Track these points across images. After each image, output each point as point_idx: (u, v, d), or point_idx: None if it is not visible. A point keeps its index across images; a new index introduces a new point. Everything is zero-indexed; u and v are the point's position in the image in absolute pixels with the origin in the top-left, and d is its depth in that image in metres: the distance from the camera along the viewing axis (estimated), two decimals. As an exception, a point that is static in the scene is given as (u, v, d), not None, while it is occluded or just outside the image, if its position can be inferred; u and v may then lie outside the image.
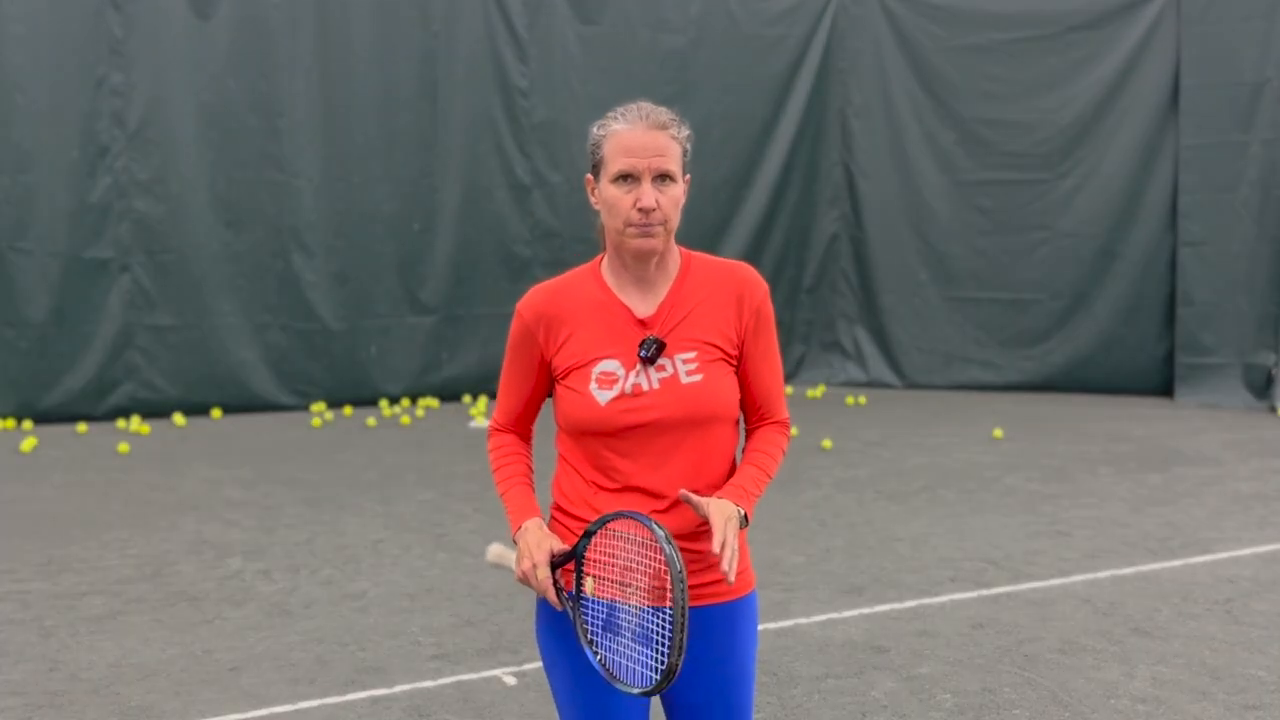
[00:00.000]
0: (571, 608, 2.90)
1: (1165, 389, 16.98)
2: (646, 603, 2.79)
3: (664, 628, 2.72)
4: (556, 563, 2.90)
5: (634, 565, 2.80)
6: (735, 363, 3.08)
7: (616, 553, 2.84)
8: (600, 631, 2.87)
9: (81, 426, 13.91)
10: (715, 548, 2.74)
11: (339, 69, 15.30)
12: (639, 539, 2.79)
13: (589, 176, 3.07)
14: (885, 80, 18.09)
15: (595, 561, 2.89)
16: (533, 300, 3.09)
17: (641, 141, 2.93)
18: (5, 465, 11.67)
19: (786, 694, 5.89)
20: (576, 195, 16.60)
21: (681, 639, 2.61)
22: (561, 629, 3.01)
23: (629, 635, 2.81)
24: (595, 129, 3.04)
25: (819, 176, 18.37)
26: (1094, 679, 6.12)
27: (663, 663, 2.69)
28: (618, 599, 2.85)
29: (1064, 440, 13.37)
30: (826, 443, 12.88)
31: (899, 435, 13.69)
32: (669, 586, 2.68)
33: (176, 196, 14.57)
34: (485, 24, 16.04)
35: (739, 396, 3.10)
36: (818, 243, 18.44)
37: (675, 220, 2.98)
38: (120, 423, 14.24)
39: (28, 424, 13.98)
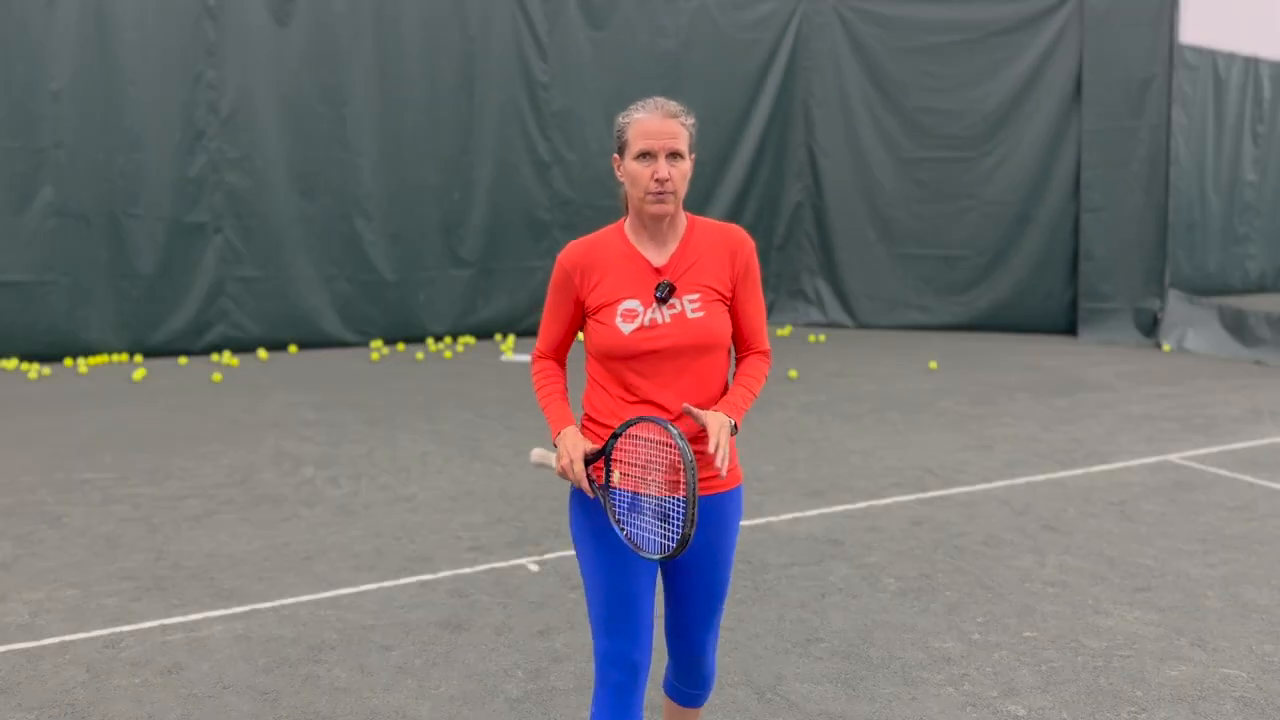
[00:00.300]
0: (602, 495, 3.04)
1: (1070, 329, 17.00)
2: (663, 493, 2.93)
3: (678, 508, 2.87)
4: (589, 459, 3.04)
5: (652, 462, 2.95)
6: (729, 303, 3.21)
7: (638, 452, 2.98)
8: (626, 513, 3.01)
9: (182, 360, 13.87)
10: (710, 449, 2.91)
11: (393, 67, 15.21)
12: (657, 439, 2.93)
13: (615, 155, 3.18)
14: (841, 76, 17.99)
15: (620, 460, 3.03)
16: (571, 252, 3.21)
17: (658, 127, 3.07)
18: (120, 392, 11.62)
19: (760, 579, 5.85)
20: (588, 170, 16.56)
21: (693, 513, 2.77)
22: (590, 515, 3.16)
23: (649, 515, 2.96)
24: (621, 118, 3.17)
25: (787, 155, 18.29)
26: (1012, 566, 6.09)
27: (678, 533, 2.85)
28: (639, 491, 2.99)
29: (987, 371, 13.33)
30: (793, 373, 12.84)
31: (852, 367, 13.65)
32: (682, 475, 2.83)
33: (260, 171, 14.51)
34: (514, 30, 15.96)
35: (731, 330, 3.23)
36: (785, 209, 18.39)
37: (683, 190, 3.14)
38: (214, 356, 14.20)
39: (138, 358, 13.94)
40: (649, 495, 2.96)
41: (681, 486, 2.85)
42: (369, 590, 5.67)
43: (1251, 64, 23.39)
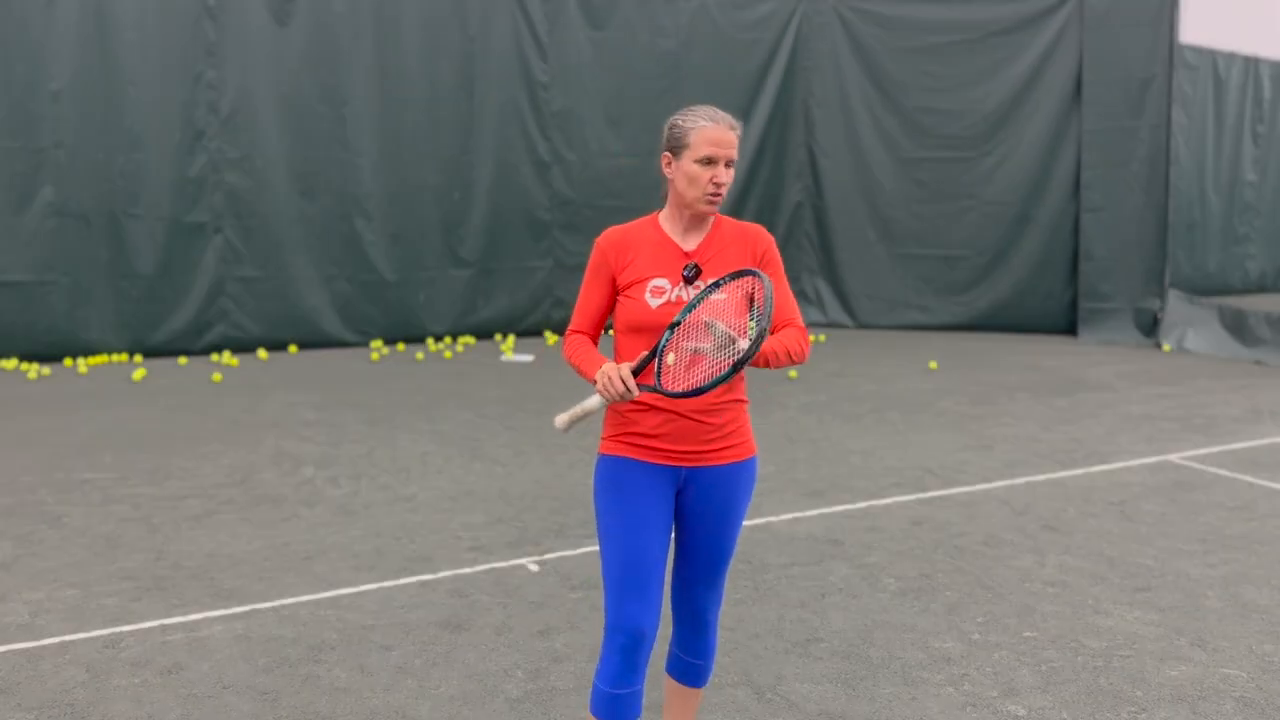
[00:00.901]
0: (656, 381, 3.19)
1: (1070, 329, 17.00)
2: (729, 327, 3.16)
3: (750, 321, 3.19)
4: (636, 370, 3.19)
5: (719, 309, 3.21)
6: (749, 291, 3.36)
7: (695, 329, 3.21)
8: (681, 378, 3.18)
9: (182, 359, 13.86)
10: (715, 325, 3.14)
11: (393, 67, 15.20)
12: (718, 304, 3.22)
13: (666, 154, 3.42)
14: (841, 76, 17.98)
15: (673, 346, 3.22)
16: (609, 235, 3.49)
17: (723, 137, 3.33)
18: (119, 392, 11.62)
19: (760, 578, 5.86)
20: (588, 171, 16.56)
21: (770, 310, 3.06)
22: (614, 480, 3.39)
23: (710, 351, 3.15)
24: (682, 120, 3.40)
25: (787, 155, 18.27)
26: (1012, 566, 6.09)
27: (755, 328, 3.09)
28: (700, 345, 3.18)
29: (987, 371, 13.33)
30: (793, 373, 12.83)
31: (852, 367, 13.64)
32: (759, 292, 3.16)
33: (260, 171, 14.50)
34: (513, 30, 15.95)
35: (748, 317, 3.37)
36: (786, 209, 18.37)
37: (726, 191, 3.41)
38: (214, 356, 14.19)
39: (138, 358, 13.93)
40: (717, 324, 3.15)
41: (747, 317, 3.18)
42: (369, 590, 5.67)
43: (1251, 64, 23.38)
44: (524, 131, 16.19)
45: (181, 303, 14.23)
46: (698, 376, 3.14)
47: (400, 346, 15.46)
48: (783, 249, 18.13)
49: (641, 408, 3.35)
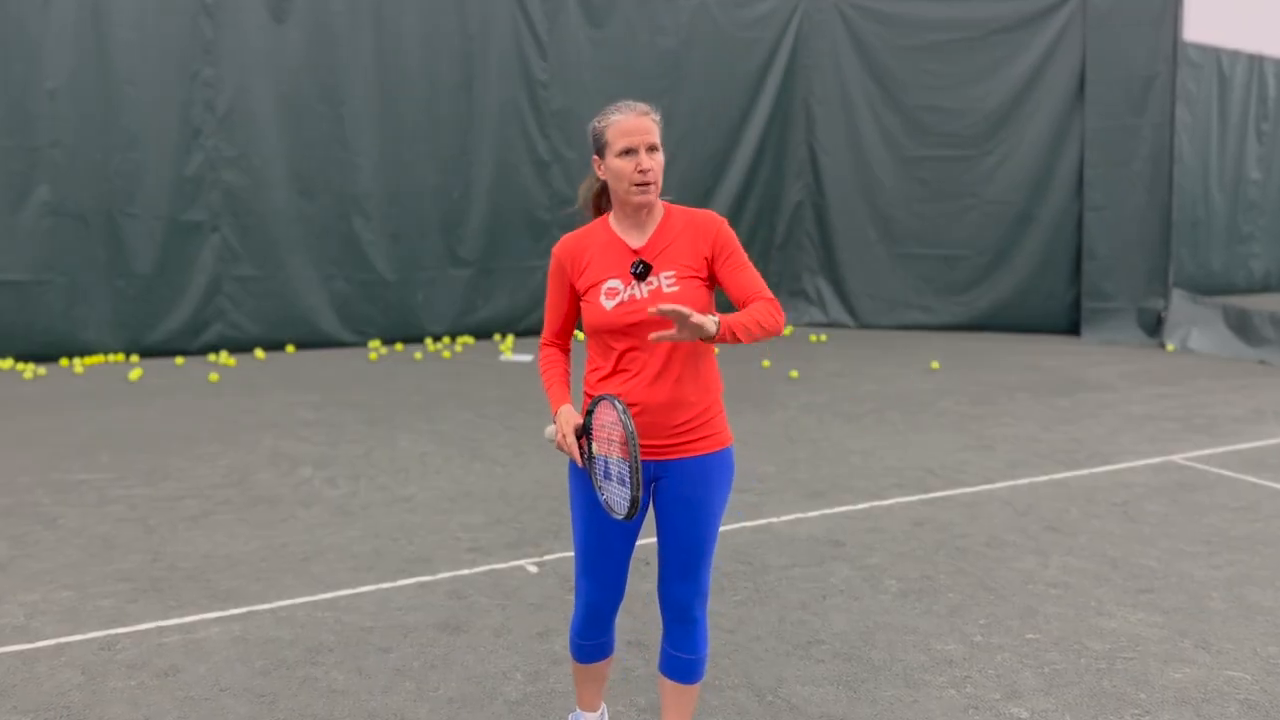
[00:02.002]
0: (589, 464, 3.41)
1: (1072, 329, 17.00)
2: (618, 454, 3.24)
3: (625, 474, 3.21)
4: (578, 433, 3.39)
5: (614, 435, 3.27)
6: (706, 280, 3.49)
7: (605, 422, 3.31)
8: (603, 479, 3.35)
9: (179, 359, 13.86)
10: (668, 307, 3.05)
11: (392, 65, 15.21)
12: (610, 421, 3.28)
13: (595, 157, 3.55)
14: (842, 74, 17.98)
15: (595, 432, 3.37)
16: (562, 244, 3.62)
17: (636, 125, 3.42)
18: (116, 391, 11.62)
19: (760, 580, 5.85)
20: (588, 170, 16.45)
21: (637, 478, 3.12)
22: (580, 477, 3.55)
23: (615, 480, 3.27)
24: (597, 122, 3.51)
25: (787, 153, 18.28)
26: (1014, 568, 6.08)
27: (629, 494, 3.18)
28: (609, 454, 3.30)
29: (989, 371, 13.32)
30: (794, 373, 12.83)
31: (853, 367, 13.64)
32: (626, 445, 3.18)
33: (258, 170, 14.50)
34: (513, 29, 15.96)
35: (706, 303, 3.47)
36: (786, 208, 18.38)
37: (660, 178, 3.47)
38: (211, 356, 14.20)
39: (135, 358, 13.94)
40: (612, 457, 3.28)
41: (626, 451, 3.19)
42: (367, 592, 5.66)
43: (1256, 61, 23.39)
44: (523, 130, 16.20)
45: (178, 302, 14.23)
46: (612, 497, 3.30)
47: (399, 346, 15.45)
48: (783, 248, 18.20)
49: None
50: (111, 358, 13.80)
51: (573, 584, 5.76)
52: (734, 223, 17.10)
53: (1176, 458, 8.76)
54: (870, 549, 6.42)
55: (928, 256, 17.70)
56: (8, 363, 13.07)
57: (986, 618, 5.33)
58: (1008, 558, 6.26)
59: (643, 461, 3.44)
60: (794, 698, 4.47)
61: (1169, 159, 16.10)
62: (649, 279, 3.43)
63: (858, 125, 17.96)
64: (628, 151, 3.40)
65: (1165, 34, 16.02)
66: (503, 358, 14.30)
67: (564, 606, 5.43)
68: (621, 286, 3.44)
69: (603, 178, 3.55)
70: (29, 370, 12.63)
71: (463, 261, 16.01)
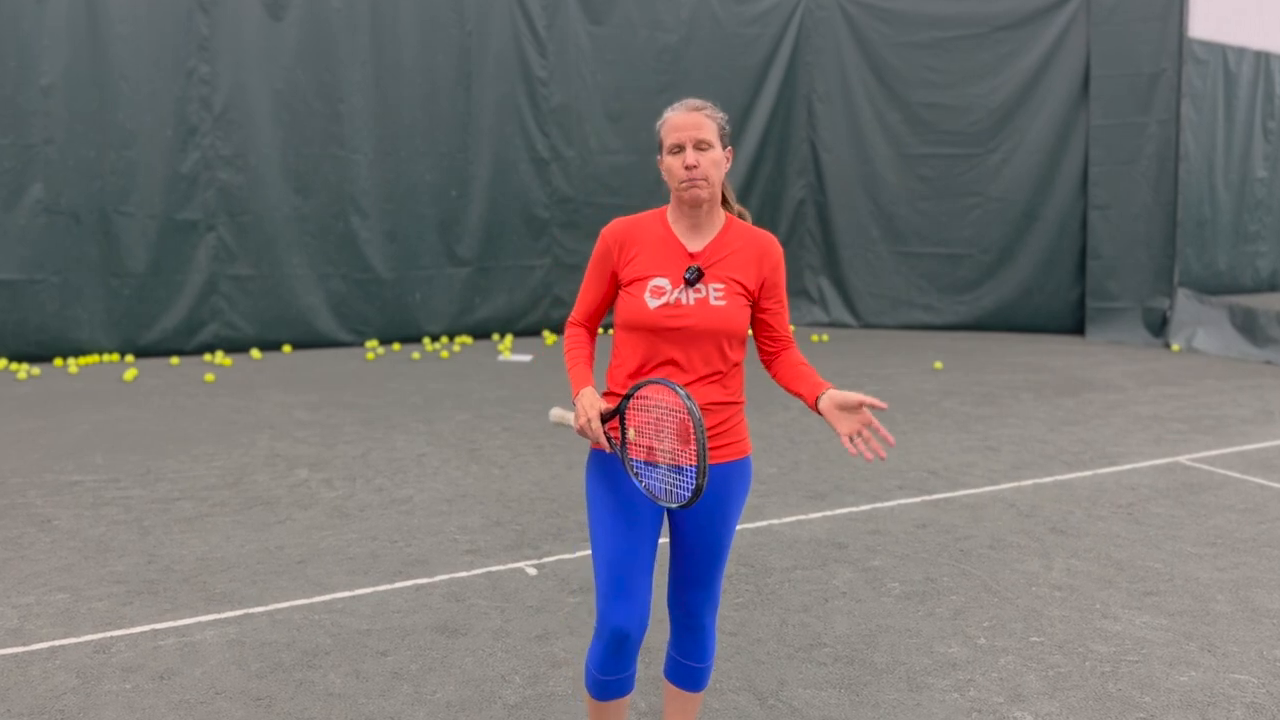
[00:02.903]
0: (620, 450, 3.27)
1: (1077, 328, 17.00)
2: (674, 461, 3.19)
3: (690, 465, 3.14)
4: (605, 417, 3.26)
5: (662, 426, 3.21)
6: (751, 300, 3.46)
7: (649, 417, 3.24)
8: (642, 466, 3.28)
9: (174, 360, 13.88)
10: (870, 402, 3.21)
11: (389, 62, 15.21)
12: (666, 405, 3.18)
13: (659, 157, 3.49)
14: (844, 71, 17.99)
15: (633, 419, 3.29)
16: (614, 227, 3.51)
17: (685, 120, 3.37)
18: (111, 392, 11.62)
19: (762, 582, 5.85)
20: (587, 168, 16.57)
21: (704, 465, 3.00)
22: (606, 476, 3.42)
23: (664, 469, 3.23)
24: (660, 121, 3.47)
25: (789, 151, 18.29)
26: (1018, 570, 6.08)
27: (691, 483, 3.12)
28: (651, 460, 3.26)
29: (992, 371, 13.33)
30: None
31: (855, 366, 13.64)
32: (692, 434, 3.08)
33: (254, 168, 14.51)
34: (511, 25, 15.96)
35: (748, 323, 3.45)
36: (788, 206, 18.39)
37: (715, 177, 3.38)
38: (207, 356, 14.20)
39: (130, 358, 13.94)
40: (662, 454, 3.22)
41: (692, 451, 3.10)
42: (364, 594, 5.66)
43: (1263, 58, 23.37)
44: (522, 128, 16.20)
45: (174, 302, 14.24)
46: (657, 480, 3.25)
47: (396, 346, 15.45)
48: (785, 246, 18.16)
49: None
50: (106, 358, 13.81)
51: (573, 586, 5.75)
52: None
53: (1182, 459, 8.77)
54: (873, 551, 6.42)
55: (931, 255, 17.70)
56: (1, 363, 13.07)
57: (990, 620, 5.34)
58: (1011, 560, 6.26)
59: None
60: (796, 701, 4.47)
61: (1174, 157, 16.10)
62: (697, 286, 3.37)
63: (860, 122, 17.96)
64: (676, 148, 3.37)
65: (1171, 30, 16.01)
66: (501, 358, 14.30)
67: (563, 609, 5.43)
68: (669, 287, 3.38)
69: (664, 178, 3.50)
70: (22, 370, 12.64)
71: (461, 260, 16.01)
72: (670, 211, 3.50)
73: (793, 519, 7.07)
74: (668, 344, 3.37)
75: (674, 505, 3.12)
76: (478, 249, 16.10)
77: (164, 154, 13.99)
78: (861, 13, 17.80)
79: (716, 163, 3.37)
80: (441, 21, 15.50)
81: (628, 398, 3.26)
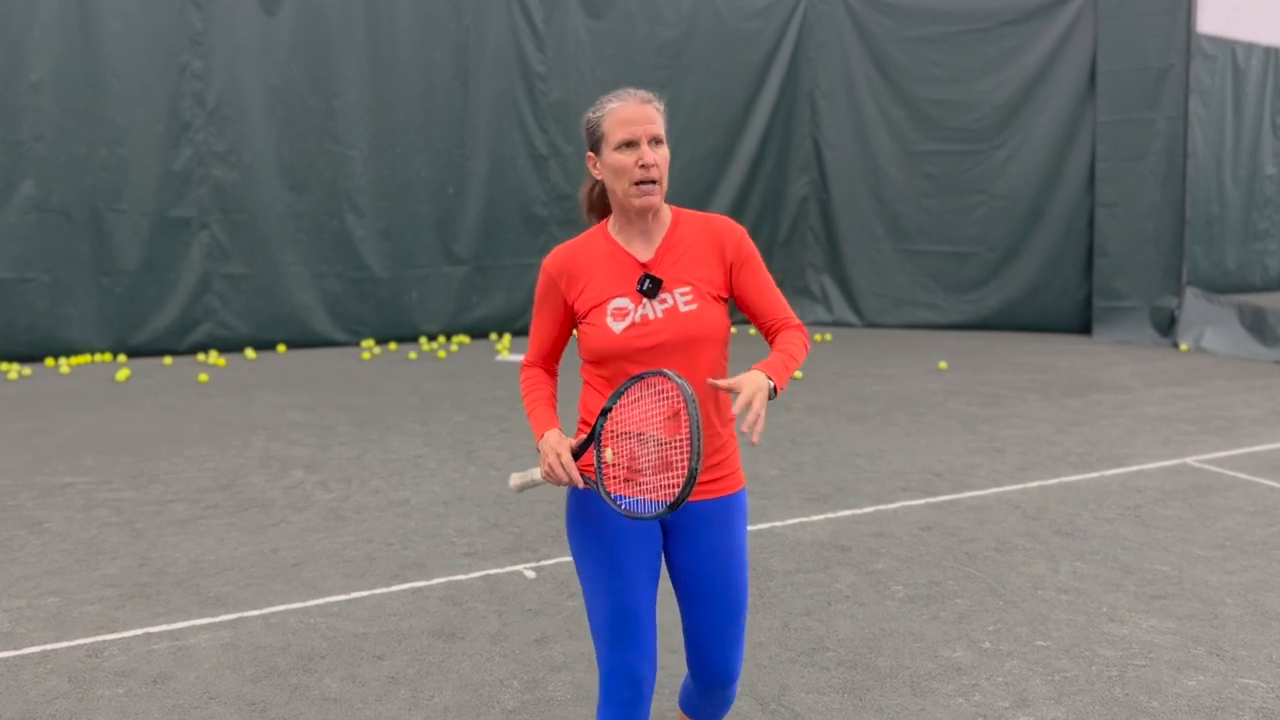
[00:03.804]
0: (595, 483, 3.01)
1: (1084, 328, 16.99)
2: (661, 452, 2.91)
3: (681, 451, 2.85)
4: (577, 452, 3.03)
5: (650, 416, 2.93)
6: (724, 298, 3.19)
7: (631, 414, 2.97)
8: (622, 485, 2.97)
9: (167, 359, 13.88)
10: (736, 409, 2.86)
11: (385, 57, 15.22)
12: (658, 389, 2.92)
13: (590, 154, 3.23)
14: (847, 66, 18.00)
15: (612, 431, 3.00)
16: (555, 258, 3.24)
17: (636, 112, 3.10)
18: (102, 392, 11.62)
19: (764, 585, 5.85)
20: (586, 164, 16.52)
21: (699, 447, 2.73)
22: (590, 523, 3.17)
23: (650, 471, 2.92)
24: (591, 114, 3.20)
25: (791, 147, 18.30)
26: (1024, 573, 6.09)
27: (682, 474, 2.82)
28: (634, 479, 2.96)
29: (998, 371, 13.33)
30: (797, 373, 12.83)
31: (858, 366, 13.64)
32: (684, 410, 2.82)
33: (248, 165, 14.52)
34: (509, 19, 15.97)
35: (726, 324, 3.19)
36: (790, 203, 18.40)
37: (666, 176, 3.13)
38: (200, 356, 14.21)
39: (122, 358, 13.95)
40: (649, 434, 2.94)
41: (684, 425, 2.84)
42: (360, 598, 5.67)
43: (1272, 54, 23.36)
44: (520, 124, 16.21)
45: (166, 301, 14.25)
46: (637, 493, 2.94)
47: (392, 346, 15.46)
48: (787, 245, 18.20)
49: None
50: (98, 358, 13.81)
51: (572, 590, 5.76)
52: (736, 219, 17.04)
53: (1191, 460, 8.77)
54: (876, 554, 6.43)
55: (935, 253, 17.70)
56: (-9, 362, 13.10)
57: (995, 624, 5.34)
58: (1017, 563, 6.26)
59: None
60: (798, 705, 4.47)
61: (1183, 154, 16.09)
62: (661, 295, 3.10)
63: (863, 119, 17.96)
64: (628, 144, 3.07)
65: (1179, 25, 16.00)
66: (499, 358, 14.30)
67: (562, 612, 5.43)
68: (631, 305, 3.10)
69: (599, 177, 3.22)
70: (13, 370, 12.64)
71: (458, 259, 16.01)
72: (612, 223, 3.25)
73: (795, 521, 7.07)
74: (645, 364, 3.09)
75: (664, 512, 2.81)
76: (475, 247, 16.11)
77: (156, 150, 14.00)
78: (865, 7, 17.80)
79: (667, 160, 3.14)
80: (438, 16, 15.51)
81: (604, 414, 3.00)
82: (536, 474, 3.10)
